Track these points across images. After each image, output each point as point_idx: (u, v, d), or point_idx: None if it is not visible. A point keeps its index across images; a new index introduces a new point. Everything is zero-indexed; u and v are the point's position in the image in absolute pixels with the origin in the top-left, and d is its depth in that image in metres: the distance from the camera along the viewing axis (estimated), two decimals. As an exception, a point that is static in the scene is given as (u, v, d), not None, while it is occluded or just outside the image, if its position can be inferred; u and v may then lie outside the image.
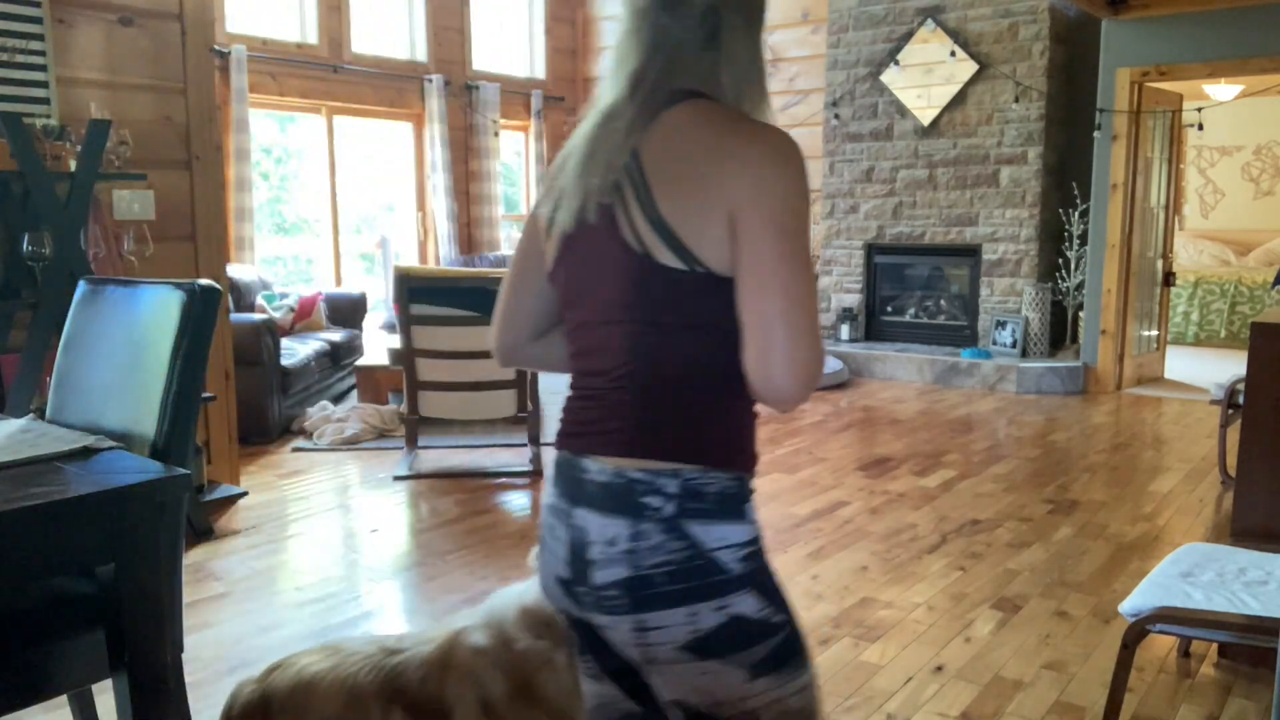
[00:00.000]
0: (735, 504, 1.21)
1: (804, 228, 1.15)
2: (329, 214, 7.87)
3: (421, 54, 8.38)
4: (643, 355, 1.21)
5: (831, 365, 7.18)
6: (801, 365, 1.12)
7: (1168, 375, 7.48)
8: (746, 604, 1.20)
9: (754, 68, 1.25)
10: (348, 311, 6.95)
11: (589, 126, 1.26)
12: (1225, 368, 7.44)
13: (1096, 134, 6.72)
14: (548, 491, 1.31)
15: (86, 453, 1.73)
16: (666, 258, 1.17)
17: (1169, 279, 7.43)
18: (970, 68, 7.15)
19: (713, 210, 1.14)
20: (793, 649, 1.24)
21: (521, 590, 1.49)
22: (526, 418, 4.82)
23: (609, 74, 1.27)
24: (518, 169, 9.68)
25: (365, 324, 7.19)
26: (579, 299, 1.28)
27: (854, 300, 7.95)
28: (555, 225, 1.28)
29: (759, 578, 1.21)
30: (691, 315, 1.19)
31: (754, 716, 1.22)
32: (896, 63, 7.48)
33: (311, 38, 7.57)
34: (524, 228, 1.39)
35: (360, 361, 6.33)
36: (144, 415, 1.87)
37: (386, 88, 8.05)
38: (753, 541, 1.22)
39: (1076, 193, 7.04)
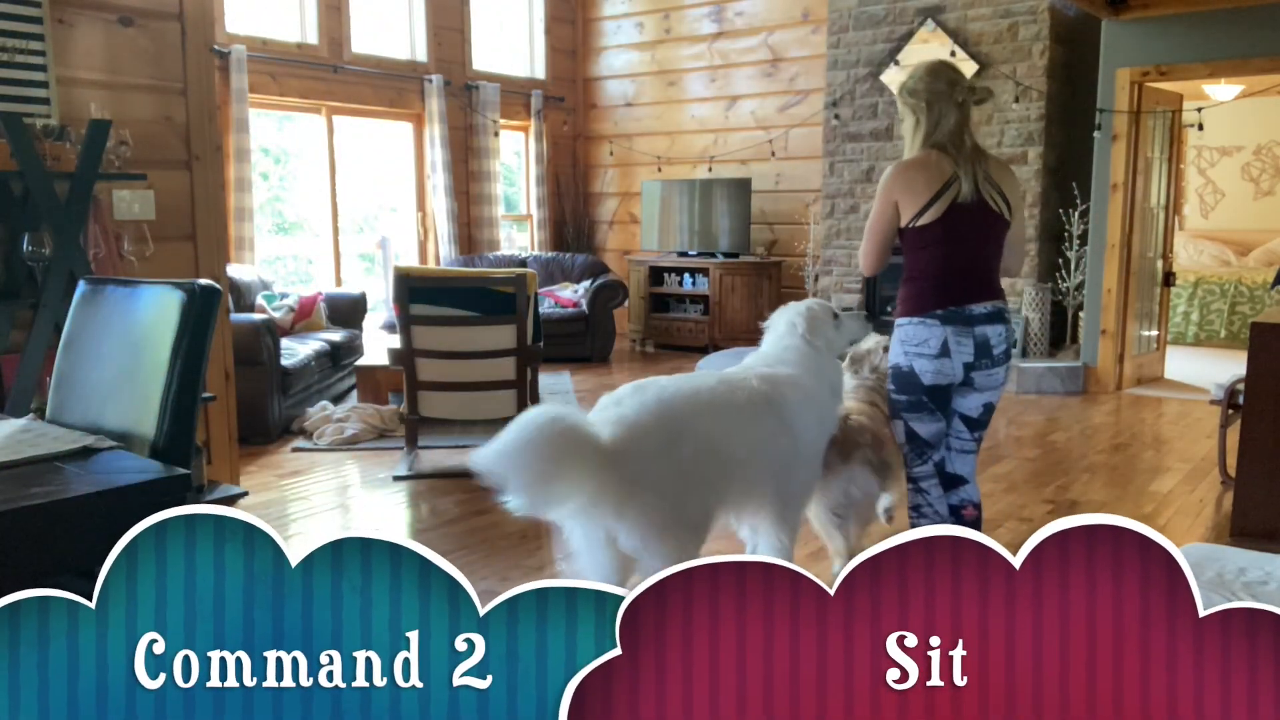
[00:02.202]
0: None
1: None
2: (329, 214, 7.88)
3: (421, 54, 8.38)
4: (995, 258, 2.87)
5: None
6: (1023, 260, 3.05)
7: (1168, 375, 7.48)
8: None
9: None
10: (348, 311, 6.95)
11: (940, 155, 2.78)
12: (1225, 368, 7.42)
13: (1096, 134, 6.72)
14: (941, 330, 2.78)
15: (86, 453, 1.73)
16: (1008, 217, 2.82)
17: (1169, 279, 7.43)
18: (970, 68, 7.14)
19: (1016, 199, 2.87)
20: None
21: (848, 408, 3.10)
22: (526, 418, 4.81)
23: (951, 128, 2.80)
24: (518, 169, 9.68)
25: (365, 324, 7.19)
26: (960, 234, 2.77)
27: (854, 300, 7.96)
28: (940, 200, 2.74)
29: None
30: (1002, 241, 2.86)
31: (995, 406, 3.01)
32: (896, 63, 7.48)
33: (311, 38, 7.57)
34: (883, 209, 2.86)
35: (360, 361, 6.33)
36: (144, 415, 1.87)
37: (386, 88, 8.05)
38: None
39: (1076, 193, 7.04)
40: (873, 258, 2.91)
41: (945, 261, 2.79)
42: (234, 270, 6.04)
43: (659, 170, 9.26)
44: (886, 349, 3.13)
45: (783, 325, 2.98)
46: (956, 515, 3.01)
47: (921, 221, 2.77)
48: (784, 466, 2.79)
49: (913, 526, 2.86)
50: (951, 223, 2.75)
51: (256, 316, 5.62)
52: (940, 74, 2.84)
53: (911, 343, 2.83)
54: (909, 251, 2.86)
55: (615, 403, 2.61)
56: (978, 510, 3.03)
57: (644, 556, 2.54)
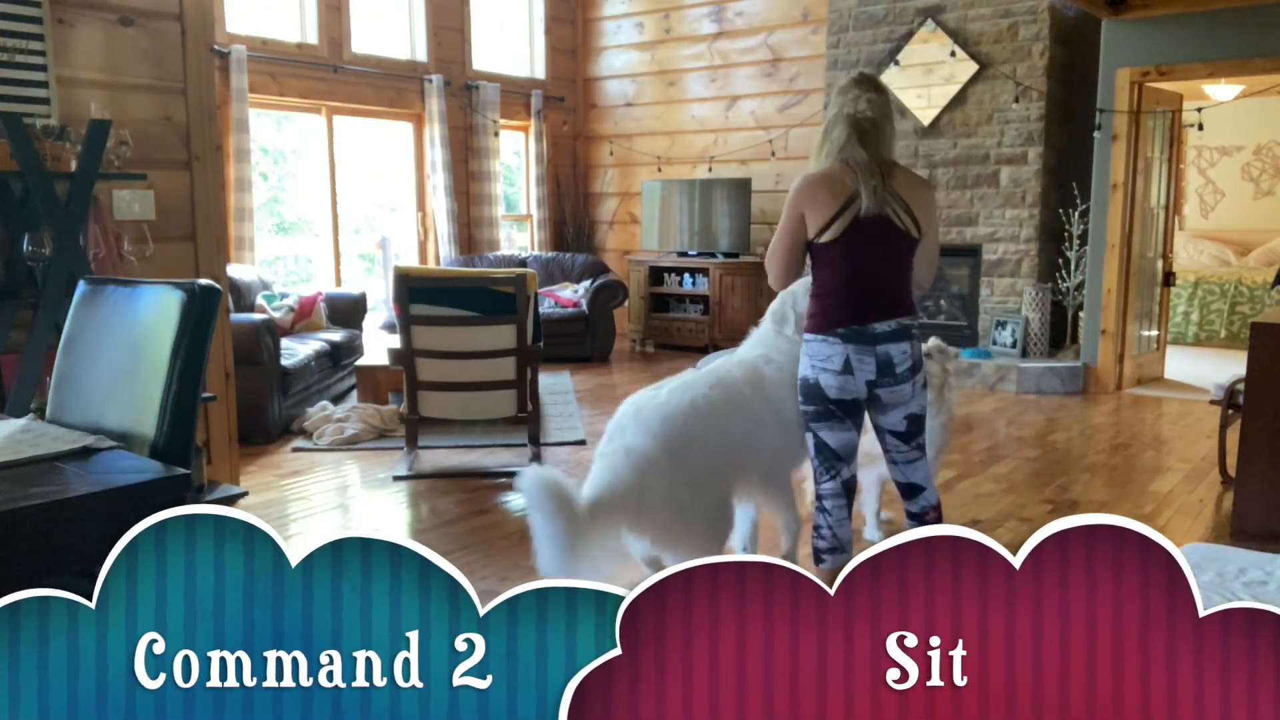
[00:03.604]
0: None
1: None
2: (329, 214, 7.87)
3: (421, 54, 8.38)
4: (901, 275, 2.84)
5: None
6: (933, 274, 3.00)
7: (1168, 375, 7.48)
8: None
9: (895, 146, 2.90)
10: (348, 311, 6.95)
11: (844, 170, 2.74)
12: (1225, 368, 7.42)
13: (1096, 134, 6.72)
14: (843, 349, 2.78)
15: (86, 453, 1.73)
16: (915, 235, 2.80)
17: (1169, 279, 7.43)
18: (970, 68, 7.15)
19: (927, 215, 2.83)
20: None
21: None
22: (526, 418, 4.82)
23: (842, 142, 2.76)
24: (518, 169, 9.68)
25: (365, 324, 7.19)
26: (861, 251, 2.76)
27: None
28: (842, 216, 2.72)
29: None
30: (910, 259, 2.84)
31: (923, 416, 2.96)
32: (896, 63, 7.48)
33: (311, 38, 7.57)
34: (790, 222, 2.79)
35: (360, 361, 6.33)
36: (144, 415, 1.87)
37: (386, 88, 8.05)
38: None
39: (1076, 193, 7.04)
40: (779, 271, 2.89)
41: (847, 279, 2.79)
42: (234, 270, 6.04)
43: (659, 170, 9.26)
44: (930, 352, 3.53)
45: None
46: (920, 521, 3.04)
47: (825, 238, 2.77)
48: (773, 441, 3.17)
49: (813, 547, 3.00)
50: (853, 240, 2.75)
51: (256, 316, 5.62)
52: (847, 88, 2.83)
53: (818, 358, 2.85)
54: (815, 267, 2.87)
55: (620, 431, 2.96)
56: (938, 513, 3.07)
57: (669, 559, 2.87)
